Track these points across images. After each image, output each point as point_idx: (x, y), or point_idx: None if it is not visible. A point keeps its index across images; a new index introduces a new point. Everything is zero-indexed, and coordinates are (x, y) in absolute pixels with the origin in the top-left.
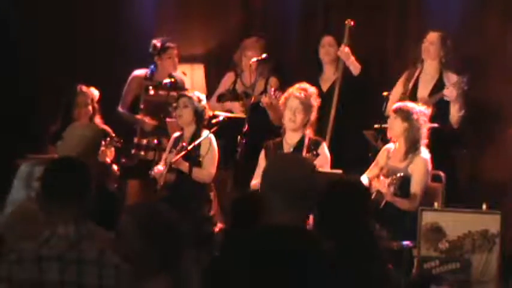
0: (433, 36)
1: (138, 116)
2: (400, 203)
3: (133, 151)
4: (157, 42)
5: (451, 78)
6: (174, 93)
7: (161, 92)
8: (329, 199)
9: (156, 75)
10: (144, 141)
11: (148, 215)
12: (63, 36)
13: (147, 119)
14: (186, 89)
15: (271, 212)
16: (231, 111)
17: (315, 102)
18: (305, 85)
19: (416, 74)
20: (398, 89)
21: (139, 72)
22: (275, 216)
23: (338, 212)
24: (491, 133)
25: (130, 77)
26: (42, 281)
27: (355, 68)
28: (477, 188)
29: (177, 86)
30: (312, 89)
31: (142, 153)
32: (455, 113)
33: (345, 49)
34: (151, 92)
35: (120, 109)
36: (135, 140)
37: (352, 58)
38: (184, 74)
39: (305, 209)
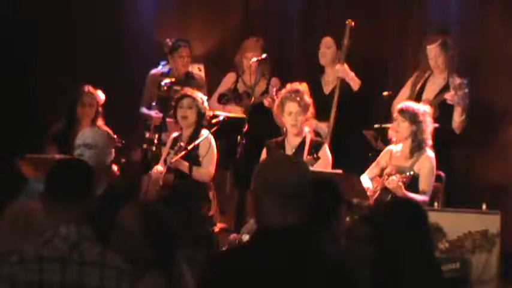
0: (432, 52)
1: (146, 112)
2: (411, 197)
3: (144, 146)
4: (169, 41)
5: (455, 81)
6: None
7: (176, 88)
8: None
9: (171, 72)
10: (156, 136)
11: (148, 214)
12: (63, 35)
13: (153, 113)
14: (202, 85)
15: (263, 213)
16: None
17: (309, 98)
18: (295, 86)
19: (424, 78)
20: (405, 91)
21: (156, 70)
22: (268, 218)
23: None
24: (491, 133)
25: (148, 77)
26: (43, 281)
27: (354, 83)
28: (477, 188)
29: (194, 82)
30: (303, 87)
31: (154, 148)
32: (457, 117)
33: (344, 66)
34: (165, 88)
35: (141, 108)
36: (147, 135)
37: (352, 74)
38: (200, 69)
39: (298, 209)
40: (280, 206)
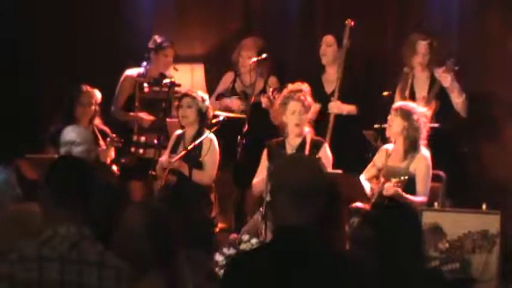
0: (423, 47)
1: (134, 114)
2: (411, 200)
3: (132, 149)
4: (157, 38)
5: (439, 70)
6: (166, 90)
7: (155, 89)
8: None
9: (149, 72)
10: (143, 139)
11: (150, 215)
12: (63, 36)
13: (144, 115)
14: (178, 85)
15: (278, 212)
16: (229, 108)
17: (311, 98)
18: (298, 85)
19: (409, 82)
20: (398, 101)
21: (132, 71)
22: (282, 217)
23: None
24: (492, 133)
25: (122, 77)
26: (42, 280)
27: (352, 112)
28: (477, 188)
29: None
30: (305, 87)
31: (141, 151)
32: (456, 99)
33: (337, 103)
34: (146, 90)
35: (114, 109)
36: (134, 138)
37: (343, 107)
38: (176, 69)
39: (312, 209)
40: (294, 205)
